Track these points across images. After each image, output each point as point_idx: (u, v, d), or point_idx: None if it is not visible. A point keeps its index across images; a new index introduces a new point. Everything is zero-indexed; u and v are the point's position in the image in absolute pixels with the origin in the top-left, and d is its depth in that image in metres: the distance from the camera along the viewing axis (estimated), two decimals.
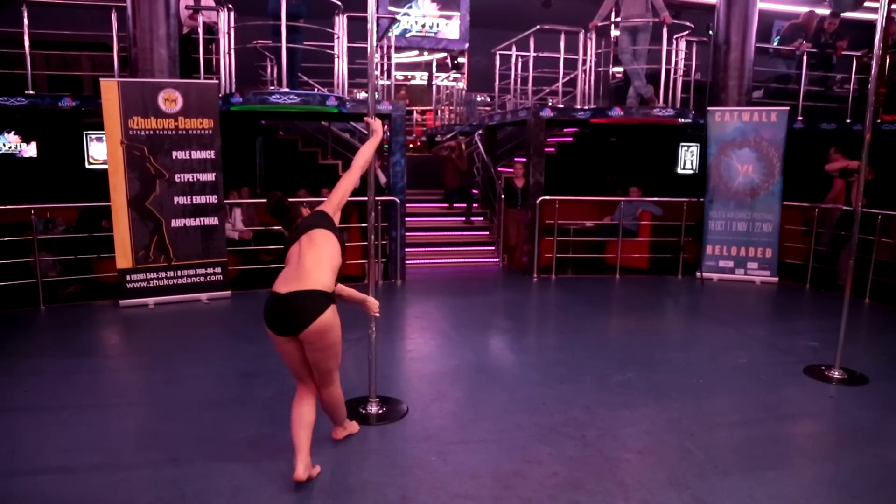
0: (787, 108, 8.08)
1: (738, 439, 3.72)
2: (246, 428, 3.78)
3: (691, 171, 10.75)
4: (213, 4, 8.03)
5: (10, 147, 8.65)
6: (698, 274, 8.21)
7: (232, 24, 7.20)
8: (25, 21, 6.86)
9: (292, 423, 3.16)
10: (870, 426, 3.96)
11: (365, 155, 3.56)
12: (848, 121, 9.12)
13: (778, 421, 4.04)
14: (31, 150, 8.83)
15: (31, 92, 6.96)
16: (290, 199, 3.32)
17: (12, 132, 8.69)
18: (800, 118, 8.86)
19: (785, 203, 8.01)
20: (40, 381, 4.52)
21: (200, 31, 7.37)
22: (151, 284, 6.63)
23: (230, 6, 7.14)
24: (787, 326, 6.45)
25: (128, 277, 6.54)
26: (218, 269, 6.91)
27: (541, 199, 8.23)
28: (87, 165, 8.44)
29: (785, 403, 4.33)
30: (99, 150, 8.53)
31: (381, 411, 3.99)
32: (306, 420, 3.17)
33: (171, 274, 6.70)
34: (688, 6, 11.75)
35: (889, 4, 4.77)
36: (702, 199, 8.28)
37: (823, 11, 9.35)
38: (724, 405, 4.30)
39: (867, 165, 4.79)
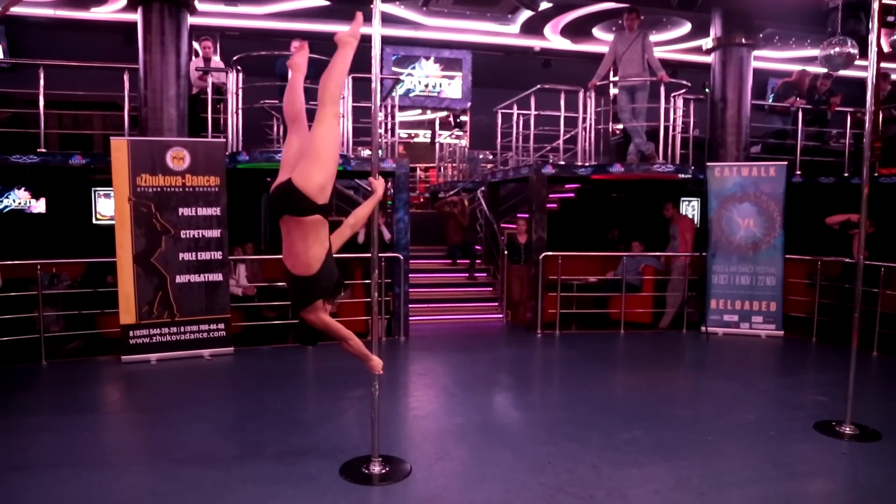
0: (786, 162, 8.20)
1: (750, 498, 3.63)
2: (246, 487, 3.70)
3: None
4: (222, 66, 8.30)
5: (19, 203, 8.79)
6: (703, 328, 8.16)
7: (240, 84, 7.40)
8: (41, 82, 7.07)
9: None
10: (885, 484, 3.86)
11: (359, 213, 3.60)
12: (846, 174, 9.22)
13: (790, 479, 3.95)
14: (39, 206, 8.96)
15: (43, 150, 7.12)
16: None
17: (22, 188, 8.84)
18: (798, 172, 8.97)
19: (787, 256, 8.03)
20: (39, 438, 4.46)
21: (209, 91, 7.58)
22: (154, 340, 6.61)
23: (238, 68, 7.36)
24: (795, 381, 6.37)
25: (131, 333, 6.52)
26: (221, 326, 6.89)
27: (544, 254, 8.26)
28: (94, 221, 8.54)
29: (796, 460, 4.23)
30: (106, 207, 8.65)
31: (384, 471, 3.91)
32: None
33: (174, 330, 6.68)
34: (684, 65, 12.06)
35: (878, 62, 4.91)
36: (704, 254, 8.31)
37: (816, 70, 9.58)
38: (735, 463, 4.21)
39: (867, 218, 4.83)
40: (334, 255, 3.41)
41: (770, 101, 10.77)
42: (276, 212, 3.24)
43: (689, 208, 11.09)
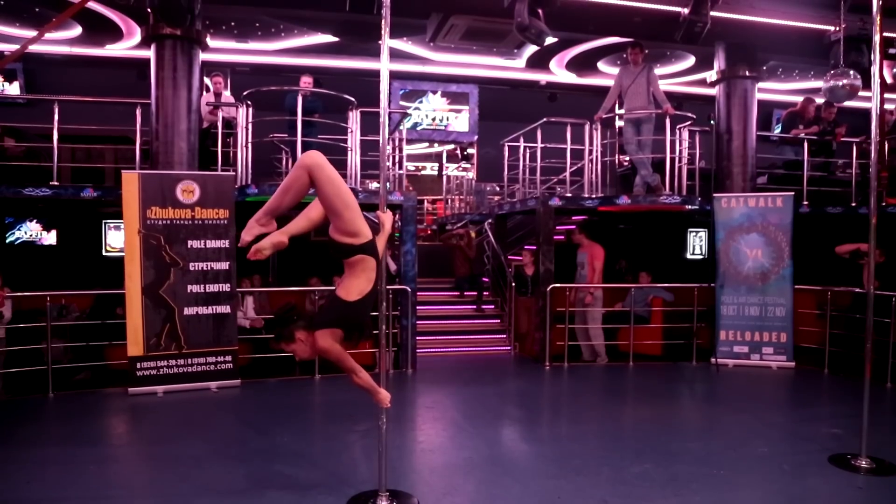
0: (793, 193, 8.20)
1: None
2: None
3: (700, 256, 10.79)
4: (232, 101, 8.43)
5: (31, 235, 8.88)
6: (713, 360, 8.08)
7: (250, 119, 7.51)
8: (56, 117, 7.21)
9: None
10: None
11: None
12: (853, 204, 9.21)
13: None
14: (50, 238, 9.05)
15: (56, 183, 7.22)
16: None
17: (34, 221, 8.94)
18: (805, 203, 8.96)
19: (797, 287, 7.99)
20: (45, 471, 4.43)
21: (220, 125, 7.69)
22: (161, 372, 6.60)
23: (248, 102, 7.48)
24: (808, 413, 6.27)
25: (138, 365, 6.52)
26: (228, 358, 6.88)
27: (551, 286, 8.24)
28: (104, 253, 8.60)
29: (811, 495, 4.16)
30: (116, 239, 8.72)
31: None
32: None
33: (181, 362, 6.67)
34: (689, 97, 12.17)
35: (882, 94, 4.95)
36: (713, 285, 8.27)
37: (821, 100, 9.65)
38: (748, 497, 4.14)
39: (877, 248, 4.81)
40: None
41: (777, 131, 10.83)
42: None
43: (697, 239, 11.08)
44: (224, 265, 6.85)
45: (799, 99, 10.21)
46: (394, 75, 12.11)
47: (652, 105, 8.37)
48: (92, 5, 8.38)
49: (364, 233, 3.34)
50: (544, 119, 8.96)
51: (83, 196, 7.21)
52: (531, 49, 10.84)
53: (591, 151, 8.65)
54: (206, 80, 8.79)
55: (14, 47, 8.82)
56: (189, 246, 6.72)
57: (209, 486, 4.21)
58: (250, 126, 7.52)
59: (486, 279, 10.74)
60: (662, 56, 11.01)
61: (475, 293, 10.30)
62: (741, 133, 8.84)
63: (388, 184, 4.23)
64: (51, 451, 4.91)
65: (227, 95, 8.96)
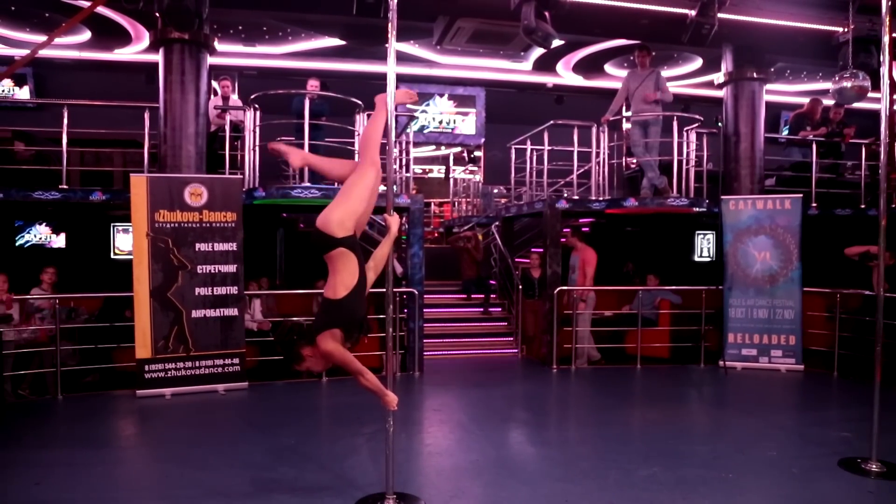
0: (801, 195, 8.16)
1: None
2: None
3: (708, 259, 10.75)
4: (240, 104, 8.47)
5: (40, 238, 8.94)
6: (721, 363, 8.04)
7: (257, 122, 7.54)
8: (65, 121, 7.26)
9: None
10: None
11: (377, 255, 3.67)
12: (862, 206, 9.16)
13: None
14: (59, 241, 9.10)
15: (65, 186, 7.27)
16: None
17: (44, 224, 9.00)
18: (814, 205, 8.92)
19: (806, 289, 7.94)
20: (52, 473, 4.45)
21: (227, 128, 7.72)
22: (169, 375, 6.61)
23: (256, 106, 7.51)
24: (817, 416, 6.23)
25: (146, 367, 6.54)
26: (236, 360, 6.89)
27: (558, 289, 8.22)
28: (112, 256, 8.63)
29: (821, 499, 4.12)
30: (125, 242, 8.76)
31: None
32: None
33: (189, 364, 6.69)
34: (696, 99, 12.14)
35: (891, 95, 4.92)
36: (721, 287, 8.23)
37: (829, 102, 9.60)
38: (756, 501, 4.12)
39: (887, 250, 4.79)
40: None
41: (785, 133, 10.78)
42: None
43: (705, 241, 11.04)
44: (232, 268, 6.87)
45: (807, 100, 10.17)
46: (400, 78, 12.04)
47: (659, 108, 8.35)
48: (101, 10, 8.43)
49: (349, 229, 3.37)
50: (551, 121, 8.96)
51: (92, 199, 7.25)
52: (538, 52, 10.83)
53: (598, 154, 8.64)
54: (214, 84, 8.83)
55: (24, 52, 8.89)
56: (197, 249, 6.74)
57: (216, 489, 4.22)
58: (258, 129, 7.55)
59: (494, 282, 10.73)
60: (670, 58, 10.98)
61: (482, 296, 10.29)
62: (749, 135, 8.80)
63: (394, 186, 4.24)
64: (59, 453, 4.93)
65: (234, 99, 9.00)
